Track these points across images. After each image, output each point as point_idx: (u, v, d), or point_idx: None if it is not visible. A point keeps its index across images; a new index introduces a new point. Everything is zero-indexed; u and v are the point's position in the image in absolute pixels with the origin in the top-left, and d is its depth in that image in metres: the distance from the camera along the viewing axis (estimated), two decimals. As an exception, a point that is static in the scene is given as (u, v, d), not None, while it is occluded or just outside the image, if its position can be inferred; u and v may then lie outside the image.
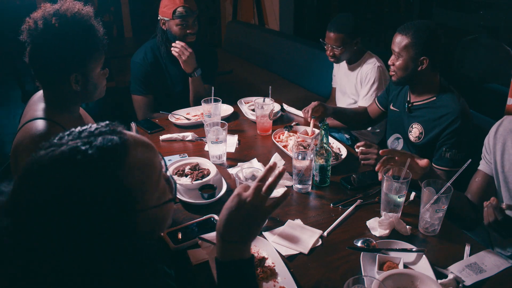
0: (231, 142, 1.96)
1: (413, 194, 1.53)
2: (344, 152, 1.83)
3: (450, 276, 1.14)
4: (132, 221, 0.72)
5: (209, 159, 1.77)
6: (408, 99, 1.92)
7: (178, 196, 1.48)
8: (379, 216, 1.41)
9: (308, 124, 2.09)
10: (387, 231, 1.33)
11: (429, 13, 3.35)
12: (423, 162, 1.43)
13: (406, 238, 1.33)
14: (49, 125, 1.35)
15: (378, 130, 2.55)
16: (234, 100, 2.43)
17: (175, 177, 1.61)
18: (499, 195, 1.48)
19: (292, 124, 2.11)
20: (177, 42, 2.33)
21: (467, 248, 1.27)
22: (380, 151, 1.48)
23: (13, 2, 5.07)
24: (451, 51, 3.04)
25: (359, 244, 1.28)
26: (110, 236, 0.68)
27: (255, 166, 1.72)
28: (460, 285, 1.14)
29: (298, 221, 1.40)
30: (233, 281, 0.90)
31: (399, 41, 1.78)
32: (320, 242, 1.31)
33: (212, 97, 2.07)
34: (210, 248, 1.22)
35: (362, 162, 1.67)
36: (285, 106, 2.38)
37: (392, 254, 1.23)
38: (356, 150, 1.68)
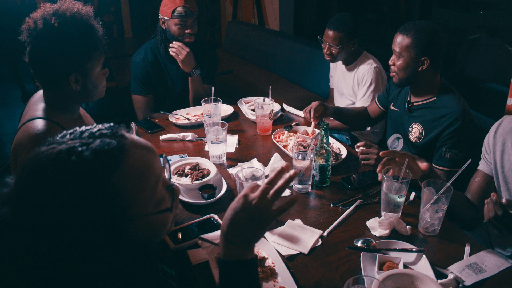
0: (231, 142, 1.96)
1: (413, 194, 1.53)
2: (344, 152, 1.84)
3: (450, 276, 1.14)
4: (123, 226, 0.72)
5: (209, 159, 1.77)
6: (409, 99, 1.92)
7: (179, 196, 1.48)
8: (379, 216, 1.41)
9: (308, 124, 2.09)
10: (387, 231, 1.33)
11: (429, 13, 3.35)
12: (423, 165, 1.43)
13: (406, 238, 1.33)
14: (48, 125, 1.35)
15: (377, 130, 2.55)
16: (234, 100, 2.42)
17: (175, 177, 1.61)
18: (499, 195, 1.48)
19: (292, 124, 2.11)
20: (174, 42, 2.34)
21: (467, 248, 1.27)
22: (381, 153, 1.47)
23: (14, 2, 5.08)
24: (451, 51, 3.04)
25: (359, 244, 1.28)
26: (100, 239, 0.68)
27: (255, 166, 1.72)
28: (460, 285, 1.13)
29: (298, 221, 1.40)
30: (235, 281, 0.89)
31: (400, 41, 1.77)
32: (320, 242, 1.31)
33: (212, 97, 2.07)
34: (210, 248, 1.22)
35: (362, 162, 1.67)
36: (285, 106, 2.38)
37: (392, 254, 1.22)
38: (356, 150, 1.68)
